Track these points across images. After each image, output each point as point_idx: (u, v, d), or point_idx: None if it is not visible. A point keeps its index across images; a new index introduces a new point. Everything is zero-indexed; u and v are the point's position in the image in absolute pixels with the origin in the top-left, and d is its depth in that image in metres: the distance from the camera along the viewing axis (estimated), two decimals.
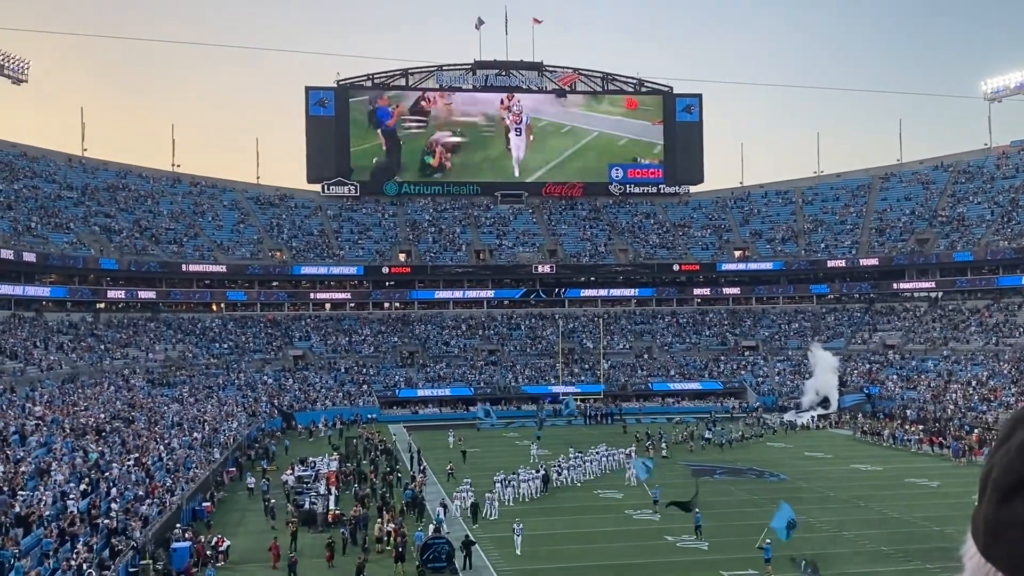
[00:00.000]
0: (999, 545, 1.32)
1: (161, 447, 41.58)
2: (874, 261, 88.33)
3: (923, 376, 72.69)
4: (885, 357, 79.69)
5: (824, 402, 69.36)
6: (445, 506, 35.43)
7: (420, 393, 75.63)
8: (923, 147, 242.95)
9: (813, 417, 66.66)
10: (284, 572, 28.81)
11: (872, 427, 60.55)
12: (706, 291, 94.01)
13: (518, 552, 29.88)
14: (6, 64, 70.35)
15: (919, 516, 35.47)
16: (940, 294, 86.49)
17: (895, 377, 74.56)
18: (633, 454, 48.18)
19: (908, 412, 64.30)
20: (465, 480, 39.40)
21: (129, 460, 36.50)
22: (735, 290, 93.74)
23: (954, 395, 65.57)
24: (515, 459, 47.30)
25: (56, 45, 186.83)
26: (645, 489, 38.97)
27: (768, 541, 27.65)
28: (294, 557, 28.73)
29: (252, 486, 41.78)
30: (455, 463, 46.29)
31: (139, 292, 79.66)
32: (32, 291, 70.38)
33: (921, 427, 58.66)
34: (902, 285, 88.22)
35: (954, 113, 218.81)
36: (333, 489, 38.64)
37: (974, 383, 67.04)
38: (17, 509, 26.23)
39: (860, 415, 65.93)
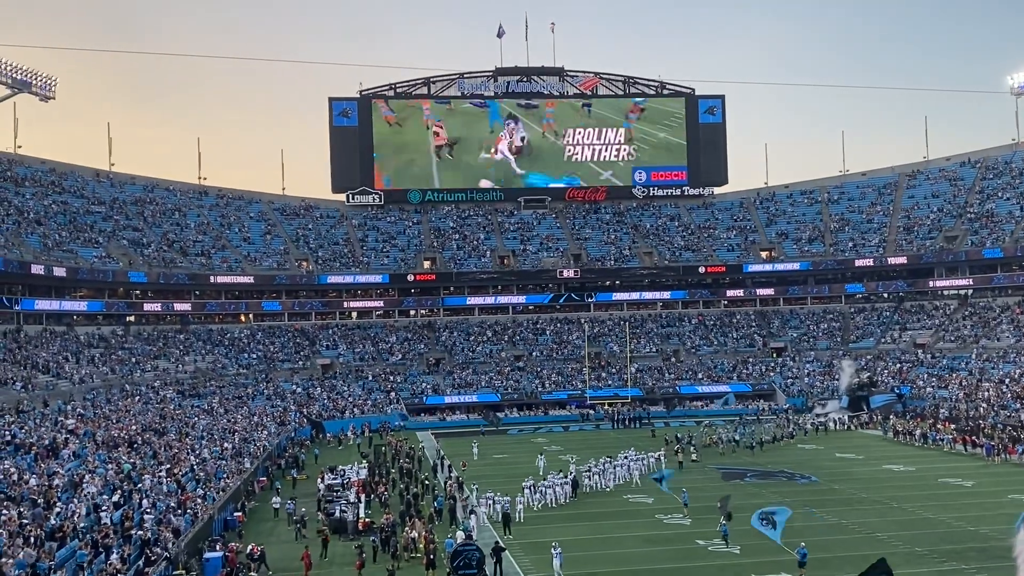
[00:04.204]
0: None
1: (192, 458, 41.89)
2: (902, 260, 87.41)
3: (954, 375, 71.85)
4: (916, 356, 78.86)
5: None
6: (474, 513, 35.44)
7: (447, 400, 75.92)
8: (949, 144, 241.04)
9: (841, 419, 66.05)
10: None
11: (904, 427, 59.91)
12: (739, 292, 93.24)
13: None
14: (34, 81, 71.19)
15: (953, 516, 35.06)
16: (971, 291, 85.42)
17: (926, 376, 73.76)
18: (663, 458, 48.02)
19: (940, 411, 63.60)
20: (488, 490, 39.36)
21: (161, 471, 36.83)
22: (767, 291, 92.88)
23: (986, 393, 64.76)
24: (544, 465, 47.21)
25: (82, 62, 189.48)
26: (665, 492, 38.81)
27: (803, 544, 27.47)
28: (261, 548, 29.72)
29: (277, 506, 40.10)
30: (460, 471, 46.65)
31: (174, 304, 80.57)
32: (68, 305, 71.50)
33: (954, 426, 58.03)
34: (938, 283, 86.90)
35: (980, 109, 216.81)
36: (363, 496, 38.77)
37: (1007, 381, 66.17)
38: (52, 521, 26.53)
39: (892, 415, 65.29)
